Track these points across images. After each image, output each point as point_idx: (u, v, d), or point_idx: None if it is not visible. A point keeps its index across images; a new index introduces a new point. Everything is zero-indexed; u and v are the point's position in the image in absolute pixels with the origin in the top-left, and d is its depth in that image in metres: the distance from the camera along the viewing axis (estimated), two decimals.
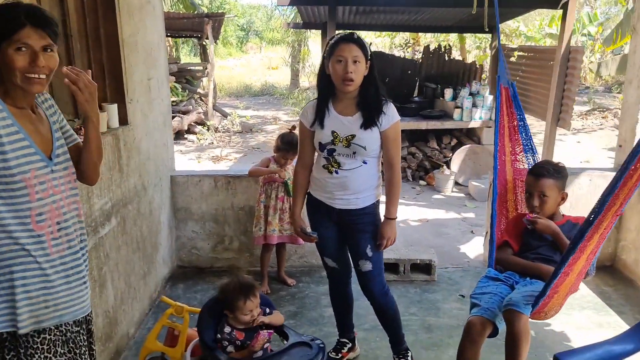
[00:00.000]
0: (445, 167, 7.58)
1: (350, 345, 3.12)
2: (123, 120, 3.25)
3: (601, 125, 12.19)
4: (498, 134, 2.89)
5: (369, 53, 2.57)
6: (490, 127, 7.70)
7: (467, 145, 7.70)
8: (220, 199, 4.22)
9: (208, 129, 11.23)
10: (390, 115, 2.62)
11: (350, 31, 2.59)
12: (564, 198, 2.74)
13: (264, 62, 26.81)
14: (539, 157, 2.99)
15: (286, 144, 3.82)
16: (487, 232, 4.41)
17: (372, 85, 2.60)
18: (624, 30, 6.35)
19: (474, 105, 7.52)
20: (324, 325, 3.52)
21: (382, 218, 2.78)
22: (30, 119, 1.71)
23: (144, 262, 3.56)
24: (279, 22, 20.85)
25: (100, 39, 3.11)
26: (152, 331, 2.86)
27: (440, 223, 5.93)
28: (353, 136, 2.59)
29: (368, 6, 7.09)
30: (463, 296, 3.88)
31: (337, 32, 6.56)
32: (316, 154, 2.78)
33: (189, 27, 11.52)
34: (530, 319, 2.40)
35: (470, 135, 8.06)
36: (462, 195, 7.21)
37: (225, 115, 12.62)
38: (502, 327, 2.49)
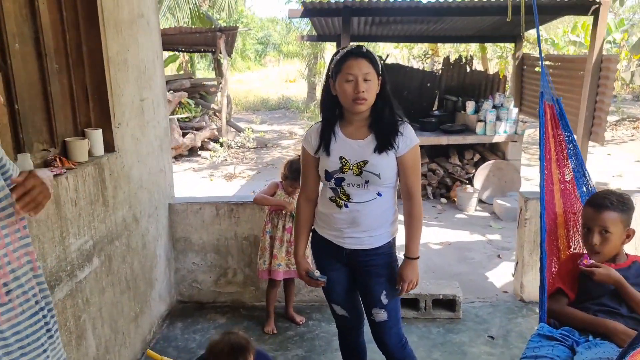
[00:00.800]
0: (467, 184, 7.16)
1: None
2: (109, 146, 2.93)
3: (632, 136, 11.60)
4: (544, 159, 2.46)
5: (380, 68, 2.20)
6: (515, 141, 7.27)
7: (491, 161, 7.26)
8: (223, 228, 3.86)
9: (221, 145, 10.95)
10: (408, 137, 2.24)
11: (358, 44, 2.23)
12: (629, 235, 2.30)
13: (281, 75, 26.65)
14: (592, 184, 2.57)
15: (294, 172, 3.45)
16: (517, 262, 3.99)
17: (385, 103, 2.24)
18: None
19: (498, 118, 7.09)
20: None
21: (399, 257, 2.40)
22: None
23: (135, 302, 3.22)
24: (294, 35, 20.66)
25: (82, 56, 2.80)
26: None
27: (464, 246, 5.50)
28: (365, 162, 2.21)
29: (384, 17, 6.75)
30: (492, 337, 3.45)
31: (348, 44, 6.24)
32: (321, 184, 2.42)
33: (202, 41, 11.30)
34: None
35: (494, 150, 7.62)
36: (487, 214, 6.77)
37: (239, 131, 12.35)
38: None
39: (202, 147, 11.13)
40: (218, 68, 12.97)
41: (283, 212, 3.51)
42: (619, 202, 2.28)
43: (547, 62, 7.40)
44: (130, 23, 3.20)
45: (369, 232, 2.30)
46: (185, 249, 3.91)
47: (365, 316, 2.59)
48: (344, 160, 2.25)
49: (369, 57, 2.18)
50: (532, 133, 11.22)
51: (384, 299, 2.35)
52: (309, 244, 2.53)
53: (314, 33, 9.52)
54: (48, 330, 1.58)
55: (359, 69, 2.14)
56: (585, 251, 2.41)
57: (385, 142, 2.22)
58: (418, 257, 2.35)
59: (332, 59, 2.25)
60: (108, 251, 2.86)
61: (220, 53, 11.42)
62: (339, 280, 2.44)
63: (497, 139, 7.17)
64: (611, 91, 5.96)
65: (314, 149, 2.34)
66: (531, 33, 10.72)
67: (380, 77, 2.20)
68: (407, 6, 6.17)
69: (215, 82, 12.53)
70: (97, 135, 2.82)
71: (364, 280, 2.39)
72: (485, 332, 3.53)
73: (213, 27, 12.70)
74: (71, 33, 2.74)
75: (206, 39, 11.08)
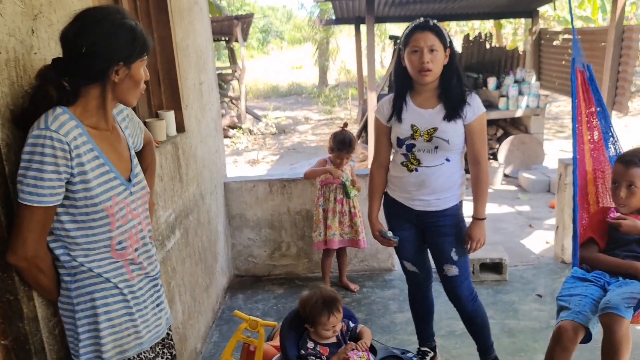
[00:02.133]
0: (492, 159, 7.32)
1: (432, 354, 2.92)
2: (180, 127, 3.11)
3: None
4: (576, 121, 2.67)
5: (448, 40, 2.37)
6: (538, 114, 7.42)
7: (514, 135, 7.41)
8: (276, 204, 4.06)
9: (243, 132, 11.13)
10: (476, 107, 2.42)
11: (426, 18, 2.39)
12: None
13: (286, 62, 26.69)
14: (620, 145, 2.74)
15: (339, 143, 3.64)
16: (557, 226, 4.16)
17: (453, 74, 2.41)
18: None
19: (520, 93, 7.24)
20: (397, 332, 3.33)
21: (466, 218, 2.59)
22: (109, 140, 1.57)
23: (206, 273, 3.43)
24: (304, 21, 20.66)
25: (154, 43, 2.97)
26: (227, 347, 2.70)
27: (496, 218, 5.67)
28: (435, 129, 2.39)
29: None
30: (540, 296, 3.65)
31: (373, 25, 6.37)
32: (393, 151, 2.60)
33: (217, 30, 11.40)
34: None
35: (516, 124, 7.77)
36: (513, 187, 6.93)
37: (257, 118, 12.51)
38: (595, 331, 2.27)
39: (223, 135, 11.31)
40: (232, 56, 13.09)
41: (334, 185, 3.70)
42: None
43: (566, 36, 7.52)
44: (188, 10, 3.37)
45: (437, 195, 2.49)
46: (241, 225, 4.11)
47: (431, 274, 2.79)
48: (415, 127, 2.42)
49: (435, 30, 2.34)
50: (549, 108, 11.31)
51: (454, 256, 2.54)
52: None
53: (326, 17, 9.61)
54: (161, 288, 1.77)
55: (424, 41, 2.31)
56: (613, 205, 2.61)
57: (453, 111, 2.40)
58: (485, 218, 2.54)
59: (403, 34, 2.42)
60: (185, 225, 3.06)
61: (237, 41, 11.54)
62: (410, 239, 2.63)
63: (519, 113, 7.32)
64: (634, 61, 6.08)
65: (387, 117, 2.51)
66: (544, 9, 10.78)
67: (448, 49, 2.37)
68: None
69: (231, 71, 12.67)
70: (170, 116, 3.01)
71: (434, 239, 2.58)
72: (533, 291, 3.73)
73: (224, 15, 12.81)
74: (144, 21, 2.92)
75: (222, 27, 11.19)
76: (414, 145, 2.45)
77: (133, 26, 1.48)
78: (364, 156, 7.56)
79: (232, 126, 11.56)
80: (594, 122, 2.73)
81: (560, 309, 2.36)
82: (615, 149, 2.71)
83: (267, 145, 10.93)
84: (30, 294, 1.52)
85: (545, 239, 4.93)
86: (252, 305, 3.79)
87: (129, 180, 1.60)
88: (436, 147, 2.42)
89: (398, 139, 2.47)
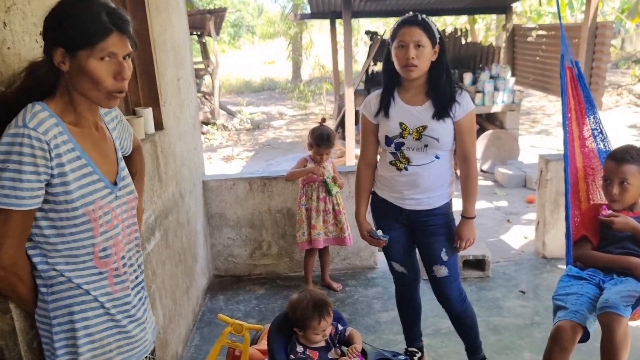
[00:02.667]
0: None
1: (419, 354, 2.89)
2: (158, 124, 3.00)
3: (617, 102, 11.95)
4: (566, 118, 2.67)
5: (437, 36, 2.32)
6: (513, 110, 7.49)
7: (490, 131, 7.46)
8: (257, 203, 3.97)
9: (217, 129, 10.97)
10: (465, 104, 2.38)
11: (415, 13, 2.33)
12: None
13: (258, 57, 26.43)
14: (609, 141, 2.75)
15: (318, 138, 3.58)
16: (538, 222, 4.18)
17: (442, 71, 2.35)
18: None
19: (496, 88, 7.29)
20: (382, 332, 3.30)
21: (456, 217, 2.56)
22: (93, 139, 1.46)
23: (186, 275, 3.32)
24: (276, 16, 20.47)
25: None
26: (211, 352, 2.61)
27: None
28: (424, 127, 2.34)
29: None
30: (523, 292, 3.66)
31: (350, 19, 6.31)
32: (380, 149, 2.54)
33: (189, 24, 11.21)
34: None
35: (491, 120, 7.83)
36: (490, 182, 6.98)
37: (231, 114, 12.35)
38: (592, 330, 2.27)
39: None
40: (204, 51, 12.88)
41: (316, 183, 3.63)
42: (638, 155, 2.47)
43: (541, 32, 7.60)
44: (166, 4, 3.25)
45: (428, 194, 2.44)
46: (221, 225, 4.01)
47: (419, 274, 2.75)
48: (403, 125, 2.37)
49: (423, 25, 2.28)
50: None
51: (444, 256, 2.50)
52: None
53: (300, 12, 9.52)
54: (146, 300, 1.68)
55: (410, 36, 2.25)
56: (604, 202, 2.62)
57: (443, 109, 2.35)
58: (474, 217, 2.51)
59: (392, 28, 2.36)
60: (165, 225, 2.95)
61: (209, 35, 11.35)
62: (399, 239, 2.58)
63: (495, 108, 7.37)
64: (607, 57, 6.18)
65: (373, 113, 2.45)
66: (519, 5, 10.90)
67: (438, 46, 2.32)
68: None
69: (203, 66, 12.46)
70: (149, 113, 2.89)
71: (423, 239, 2.53)
72: (516, 287, 3.74)
73: (196, 9, 12.58)
74: None
75: (194, 21, 10.97)
76: (402, 144, 2.40)
77: (88, 9, 1.32)
78: (341, 152, 7.51)
79: (206, 122, 11.38)
80: (583, 119, 2.73)
81: (557, 308, 2.35)
82: (604, 145, 2.72)
83: (241, 142, 10.79)
84: (6, 307, 1.42)
85: (524, 234, 4.97)
86: (234, 306, 3.71)
87: (115, 183, 1.49)
88: (426, 146, 2.37)
89: (386, 137, 2.42)
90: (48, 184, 1.33)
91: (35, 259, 1.39)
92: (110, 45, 1.33)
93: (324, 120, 3.74)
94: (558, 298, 2.41)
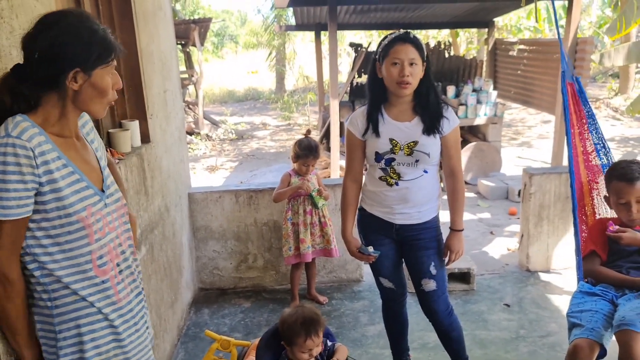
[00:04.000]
0: None
1: None
2: (144, 137, 2.98)
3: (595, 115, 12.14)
4: (570, 134, 2.68)
5: (425, 54, 2.34)
6: (495, 123, 7.58)
7: (473, 143, 7.54)
8: (243, 215, 3.95)
9: (201, 139, 10.92)
10: (452, 120, 2.40)
11: (406, 30, 2.35)
12: None
13: (241, 66, 26.43)
14: (612, 155, 2.79)
15: (305, 149, 3.57)
16: (522, 235, 4.22)
17: (430, 88, 2.38)
18: (628, 19, 6.24)
19: (479, 101, 7.37)
20: (369, 346, 3.29)
21: (443, 231, 2.57)
22: (75, 148, 1.47)
23: (171, 289, 3.29)
24: (259, 26, 20.50)
25: None
26: None
27: None
28: (415, 143, 2.36)
29: (369, 4, 6.88)
30: (508, 305, 3.68)
31: (335, 32, 6.35)
32: (367, 164, 2.55)
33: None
34: None
35: (474, 132, 7.90)
36: (472, 194, 7.03)
37: (215, 124, 12.30)
38: (608, 347, 2.27)
39: None
40: (188, 60, 12.84)
41: (301, 197, 3.62)
42: None
43: (521, 46, 7.71)
44: (153, 15, 3.23)
45: (417, 208, 2.46)
46: (206, 237, 3.98)
47: (406, 289, 2.76)
48: (394, 141, 2.38)
49: (416, 43, 2.31)
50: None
51: (432, 270, 2.51)
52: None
53: (281, 23, 9.55)
54: (146, 306, 1.69)
55: (405, 53, 2.27)
56: (609, 215, 2.64)
57: (432, 125, 2.37)
58: (463, 229, 2.53)
59: (379, 44, 2.38)
60: (151, 239, 2.92)
61: (194, 45, 11.32)
62: (388, 255, 2.58)
63: (478, 121, 7.45)
64: (588, 72, 6.28)
65: (361, 131, 2.46)
66: (500, 19, 11.07)
67: (424, 63, 2.34)
68: None
69: (187, 75, 12.42)
70: (135, 126, 2.87)
71: (413, 253, 2.54)
72: (500, 300, 3.76)
73: (180, 19, 12.56)
74: (106, 25, 2.77)
75: (178, 31, 10.93)
76: (393, 159, 2.41)
77: (93, 29, 1.37)
78: (326, 163, 7.52)
79: (190, 132, 11.32)
80: (586, 134, 2.77)
81: (572, 325, 2.34)
82: (607, 159, 2.75)
83: (225, 152, 10.75)
84: None
85: (507, 246, 5.01)
86: (219, 320, 3.67)
87: (102, 191, 1.50)
88: (417, 161, 2.39)
89: (377, 153, 2.42)
90: (38, 193, 1.33)
91: (36, 272, 1.38)
92: (115, 60, 1.43)
93: (309, 132, 3.74)
94: (573, 315, 2.39)
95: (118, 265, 1.52)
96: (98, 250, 1.44)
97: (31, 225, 1.34)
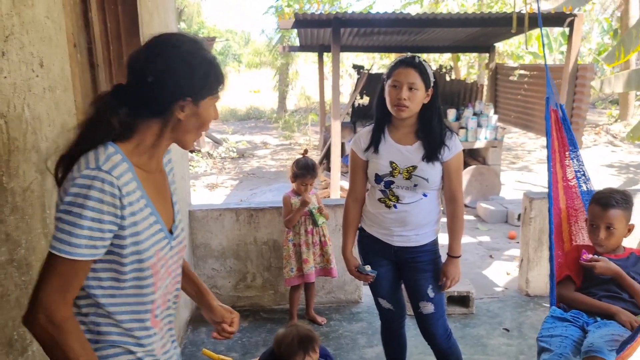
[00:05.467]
0: None
1: None
2: None
3: (595, 141, 12.24)
4: (551, 159, 2.72)
5: (432, 80, 2.36)
6: (495, 147, 7.62)
7: (473, 166, 7.57)
8: (242, 234, 3.95)
9: (202, 156, 10.96)
10: (454, 147, 2.41)
11: (414, 55, 2.38)
12: (630, 230, 2.54)
13: (244, 85, 26.64)
14: (591, 183, 2.81)
15: (302, 168, 3.59)
16: (522, 260, 4.22)
17: (434, 114, 2.39)
18: (627, 47, 6.33)
19: (479, 125, 7.42)
20: None
21: (442, 255, 2.58)
22: (156, 184, 1.36)
23: None
24: (262, 46, 20.72)
25: (123, 68, 2.87)
26: None
27: None
28: (414, 167, 2.37)
29: (369, 28, 6.97)
30: (508, 330, 3.66)
31: (338, 54, 6.42)
32: (368, 185, 2.56)
33: None
34: None
35: (474, 155, 7.94)
36: (472, 217, 7.04)
37: (217, 142, 12.35)
38: None
39: None
40: None
41: (302, 217, 3.62)
42: (623, 200, 2.51)
43: (522, 71, 7.80)
44: (159, 31, 3.27)
45: (416, 231, 2.47)
46: (205, 255, 3.97)
47: (405, 310, 2.75)
48: (394, 165, 2.40)
49: (419, 68, 2.33)
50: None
51: (430, 293, 2.51)
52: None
53: (284, 44, 9.66)
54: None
55: (405, 76, 2.30)
56: (587, 242, 2.66)
57: (432, 152, 2.38)
58: (460, 256, 2.53)
59: (389, 65, 2.41)
60: None
61: None
62: (386, 276, 2.58)
63: (478, 144, 7.50)
64: (588, 98, 6.36)
65: (363, 150, 2.48)
66: (500, 45, 11.22)
67: (431, 89, 2.36)
68: (395, 17, 6.43)
69: None
70: None
71: (411, 276, 2.54)
72: (500, 325, 3.74)
73: None
74: (114, 44, 2.81)
75: None
76: (392, 182, 2.42)
77: (210, 59, 1.30)
78: (326, 183, 7.54)
79: (191, 150, 11.36)
80: (567, 161, 2.79)
81: (542, 350, 2.35)
82: (587, 186, 2.77)
83: (226, 170, 10.78)
84: None
85: (506, 269, 5.00)
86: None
87: (171, 232, 1.39)
88: (415, 185, 2.40)
89: (376, 175, 2.44)
90: (117, 236, 1.21)
91: (90, 313, 1.28)
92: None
93: (306, 151, 3.77)
94: (542, 340, 2.40)
95: (162, 313, 1.40)
96: (159, 299, 1.34)
97: (98, 265, 1.23)
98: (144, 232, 1.26)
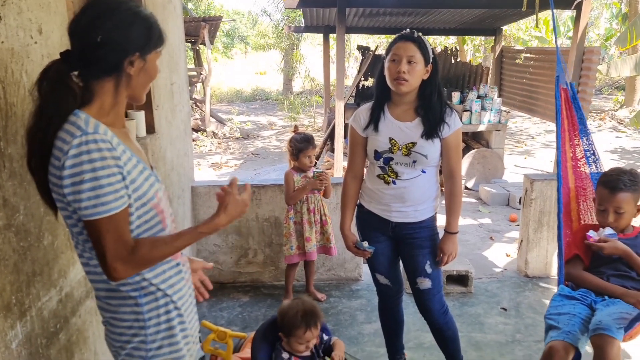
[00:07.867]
0: None
1: None
2: (150, 128, 3.02)
3: (599, 127, 12.16)
4: (560, 138, 2.71)
5: (431, 56, 2.36)
6: (499, 130, 7.59)
7: (476, 149, 7.55)
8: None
9: (207, 136, 10.98)
10: (453, 124, 2.41)
11: (412, 30, 2.38)
12: (639, 210, 2.54)
13: (250, 67, 26.53)
14: (601, 163, 2.81)
15: (303, 141, 3.58)
16: (521, 241, 4.24)
17: (434, 91, 2.39)
18: (638, 31, 6.25)
19: (483, 108, 7.39)
20: (365, 344, 3.31)
21: (440, 232, 2.59)
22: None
23: None
24: (268, 28, 20.59)
25: None
26: None
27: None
28: (414, 144, 2.38)
29: (378, 8, 6.91)
30: (505, 309, 3.69)
31: (344, 34, 6.38)
32: (367, 162, 2.57)
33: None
34: None
35: (477, 138, 7.92)
36: (473, 200, 7.05)
37: (222, 122, 12.35)
38: (583, 350, 2.30)
39: None
40: (197, 58, 12.91)
41: (305, 196, 3.63)
42: (631, 182, 2.48)
43: (527, 55, 7.73)
44: (162, 8, 3.27)
45: (414, 207, 2.48)
46: None
47: (403, 287, 2.78)
48: (393, 141, 2.41)
49: (418, 42, 2.33)
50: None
51: (428, 269, 2.53)
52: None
53: (290, 24, 9.59)
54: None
55: (404, 50, 2.30)
56: (595, 222, 2.66)
57: (432, 129, 2.38)
58: (457, 232, 2.54)
59: (389, 43, 2.41)
60: None
61: (203, 43, 11.38)
62: (384, 252, 2.61)
63: (482, 128, 7.47)
64: (593, 82, 6.30)
65: (363, 127, 2.49)
66: (508, 28, 11.09)
67: (431, 65, 2.36)
68: None
69: (196, 73, 12.48)
70: (141, 116, 2.91)
71: (408, 252, 2.56)
72: (498, 304, 3.77)
73: (190, 17, 12.62)
74: None
75: (188, 28, 11.00)
76: (391, 159, 2.43)
77: (150, 15, 1.39)
78: (329, 164, 7.55)
79: (196, 129, 11.37)
80: (576, 140, 2.78)
81: (549, 327, 2.36)
82: (596, 166, 2.76)
83: (230, 149, 10.80)
84: None
85: (506, 251, 5.02)
86: (217, 313, 3.70)
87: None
88: (414, 161, 2.41)
89: (375, 151, 2.45)
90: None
91: None
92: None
93: (297, 127, 3.79)
94: (550, 317, 2.42)
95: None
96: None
97: None
98: (139, 178, 1.36)
